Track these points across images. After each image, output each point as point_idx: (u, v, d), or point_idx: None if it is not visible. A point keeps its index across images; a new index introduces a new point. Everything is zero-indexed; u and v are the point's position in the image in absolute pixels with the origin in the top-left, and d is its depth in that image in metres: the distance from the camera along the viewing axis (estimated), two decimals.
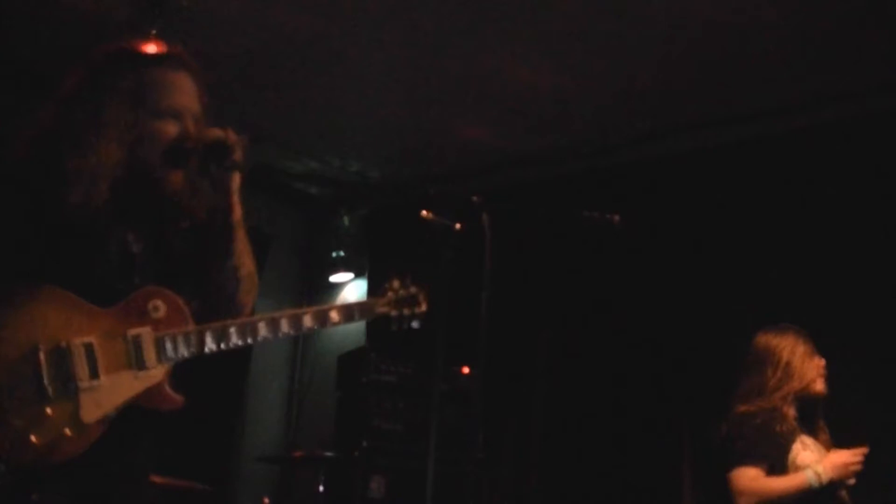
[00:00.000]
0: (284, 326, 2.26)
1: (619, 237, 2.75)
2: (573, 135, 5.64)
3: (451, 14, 4.55)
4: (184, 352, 2.12)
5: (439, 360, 2.44)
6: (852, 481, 3.67)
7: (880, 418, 4.41)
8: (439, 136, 5.80)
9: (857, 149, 4.83)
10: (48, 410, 1.95)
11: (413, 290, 2.48)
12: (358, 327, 6.58)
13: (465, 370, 5.15)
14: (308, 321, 2.30)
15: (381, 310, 2.45)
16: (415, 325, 2.50)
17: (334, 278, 6.75)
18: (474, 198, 2.44)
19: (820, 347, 3.95)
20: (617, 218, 2.74)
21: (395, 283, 2.48)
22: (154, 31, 4.30)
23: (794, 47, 4.59)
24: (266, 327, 2.23)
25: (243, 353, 6.35)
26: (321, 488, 4.92)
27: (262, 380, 6.54)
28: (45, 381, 1.96)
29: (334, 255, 6.66)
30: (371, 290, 6.64)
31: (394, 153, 6.09)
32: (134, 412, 2.06)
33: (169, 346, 2.11)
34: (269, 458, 5.84)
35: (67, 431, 1.97)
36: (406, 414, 5.18)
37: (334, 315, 2.34)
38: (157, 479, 4.10)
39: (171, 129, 2.18)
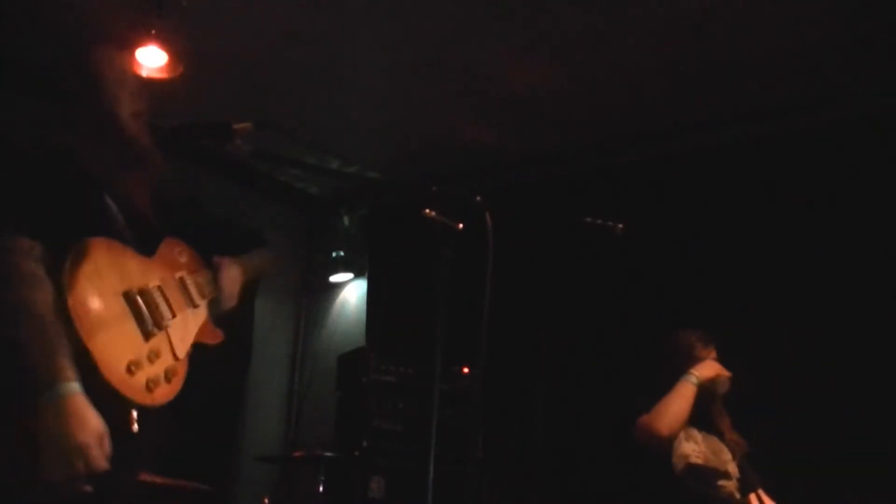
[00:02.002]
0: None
1: (620, 239, 2.74)
2: (573, 135, 5.64)
3: (452, 14, 4.55)
4: (213, 290, 2.40)
5: (439, 360, 2.43)
6: (725, 387, 3.76)
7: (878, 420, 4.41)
8: (439, 136, 5.80)
9: (857, 149, 4.83)
10: (158, 348, 2.10)
11: None
12: (358, 326, 6.59)
13: (465, 370, 5.14)
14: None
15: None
16: None
17: (334, 278, 6.75)
18: (478, 197, 2.43)
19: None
20: (621, 227, 2.73)
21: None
22: (154, 31, 4.30)
23: (794, 47, 4.59)
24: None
25: (243, 353, 6.35)
26: (321, 488, 4.91)
27: (262, 380, 6.54)
28: (148, 321, 2.10)
29: (334, 255, 6.66)
30: (371, 290, 6.67)
31: (394, 153, 6.09)
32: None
33: (204, 285, 2.37)
34: (269, 458, 5.84)
35: (174, 365, 2.13)
36: (406, 414, 5.18)
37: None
38: (157, 479, 4.10)
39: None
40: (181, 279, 2.30)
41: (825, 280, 4.74)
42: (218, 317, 2.42)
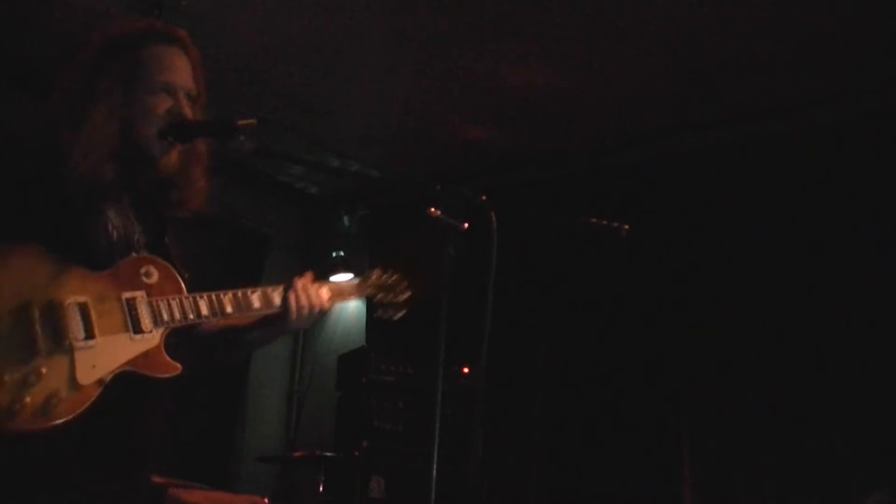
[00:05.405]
0: (276, 300, 2.33)
1: (622, 239, 2.74)
2: (573, 135, 5.64)
3: (452, 14, 4.54)
4: (179, 317, 2.11)
5: (441, 360, 2.43)
6: None
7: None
8: (439, 136, 5.80)
9: (857, 149, 4.83)
10: (42, 369, 1.90)
11: (395, 277, 2.59)
12: (358, 326, 6.58)
13: (465, 370, 5.14)
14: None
15: (368, 291, 2.56)
16: (397, 315, 2.58)
17: (334, 278, 6.74)
18: (482, 197, 2.42)
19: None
20: (625, 227, 2.72)
21: (377, 272, 2.60)
22: None
23: (794, 47, 4.59)
24: (259, 300, 2.30)
25: None
26: (321, 488, 4.92)
27: (262, 380, 6.54)
28: (39, 338, 1.92)
29: (334, 255, 6.65)
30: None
31: (394, 153, 6.09)
32: (132, 391, 2.03)
33: (164, 310, 2.10)
34: (269, 458, 5.84)
35: (62, 391, 1.91)
36: (406, 414, 5.18)
37: (324, 292, 2.42)
38: (157, 479, 4.09)
39: (163, 103, 2.20)
40: (130, 300, 2.06)
41: (825, 279, 4.74)
42: (176, 345, 2.13)
